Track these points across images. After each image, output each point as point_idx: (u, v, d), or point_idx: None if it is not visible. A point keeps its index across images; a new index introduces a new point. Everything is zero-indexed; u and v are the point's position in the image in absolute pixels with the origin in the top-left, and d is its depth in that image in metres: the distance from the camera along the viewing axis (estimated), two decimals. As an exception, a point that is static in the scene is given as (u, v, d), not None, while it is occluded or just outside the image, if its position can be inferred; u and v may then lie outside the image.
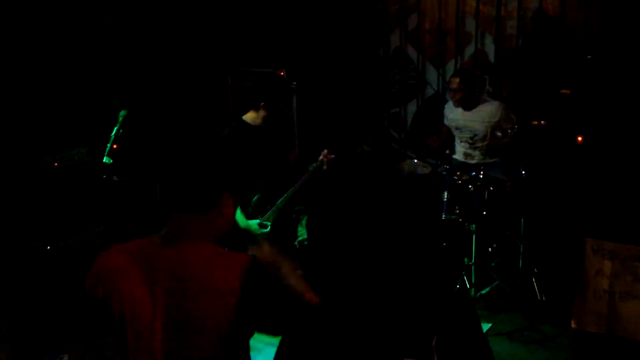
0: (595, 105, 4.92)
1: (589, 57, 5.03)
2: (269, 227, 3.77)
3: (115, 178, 3.63)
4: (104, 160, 3.43)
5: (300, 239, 3.92)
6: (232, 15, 5.82)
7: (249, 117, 3.79)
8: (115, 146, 3.49)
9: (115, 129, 3.49)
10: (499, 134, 4.38)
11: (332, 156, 3.78)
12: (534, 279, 4.12)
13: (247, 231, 3.76)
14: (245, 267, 1.64)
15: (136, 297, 1.67)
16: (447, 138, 4.98)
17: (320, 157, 3.82)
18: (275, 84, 3.82)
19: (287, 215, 3.91)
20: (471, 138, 4.72)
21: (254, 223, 3.76)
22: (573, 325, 2.93)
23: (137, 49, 5.19)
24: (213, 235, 1.77)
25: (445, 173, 4.26)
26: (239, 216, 3.74)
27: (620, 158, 4.64)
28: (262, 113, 3.74)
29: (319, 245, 1.49)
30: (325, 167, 3.79)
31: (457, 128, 4.82)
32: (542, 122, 4.34)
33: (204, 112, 5.37)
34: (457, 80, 4.58)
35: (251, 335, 1.71)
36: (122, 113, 3.53)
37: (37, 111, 4.31)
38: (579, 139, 4.62)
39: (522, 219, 4.22)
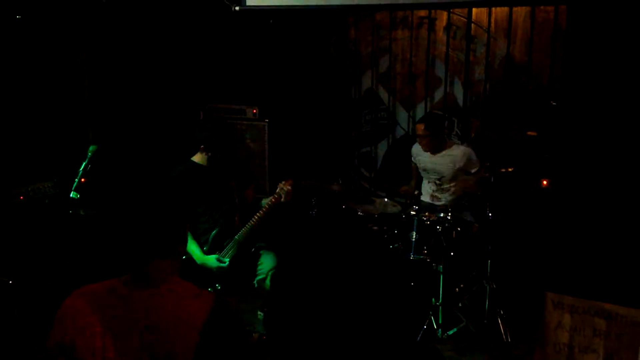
0: (560, 149, 5.06)
1: (553, 103, 5.18)
2: (227, 263, 3.78)
3: (82, 212, 3.59)
4: (71, 195, 3.39)
5: (259, 277, 3.91)
6: (206, 52, 5.89)
7: (197, 158, 4.01)
8: (83, 180, 3.47)
9: (84, 163, 3.47)
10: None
11: (290, 188, 3.86)
12: (499, 320, 4.16)
13: (204, 267, 3.77)
14: (211, 305, 1.67)
15: (108, 344, 1.66)
16: (417, 180, 5.06)
17: (278, 190, 3.88)
18: (211, 130, 4.02)
19: (246, 251, 3.93)
20: (438, 179, 4.79)
21: (211, 258, 3.78)
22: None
23: (111, 83, 5.20)
24: (178, 266, 1.81)
25: (414, 213, 4.31)
26: (196, 253, 3.77)
27: (583, 202, 4.75)
28: (204, 155, 3.96)
29: (283, 294, 1.50)
30: (283, 199, 3.87)
31: (424, 170, 4.90)
32: (534, 132, 4.50)
33: (175, 147, 5.38)
34: (422, 127, 4.68)
35: None
36: (92, 148, 3.51)
37: (4, 143, 4.26)
38: (544, 182, 4.72)
39: (489, 261, 4.28)
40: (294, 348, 1.34)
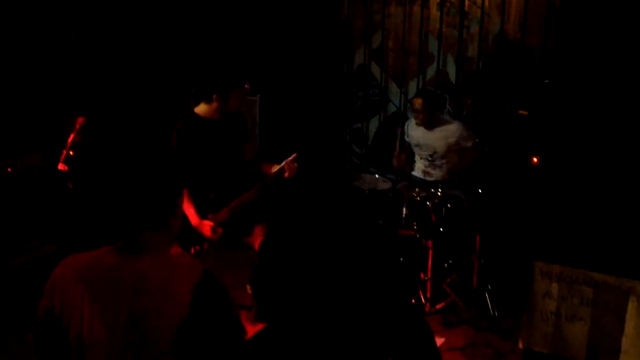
0: (551, 128, 5.07)
1: (546, 81, 5.17)
2: (220, 233, 3.69)
3: (70, 185, 3.57)
4: (59, 167, 3.38)
5: (247, 236, 3.81)
6: (197, 27, 5.83)
7: (202, 110, 3.63)
8: (71, 153, 3.44)
9: (72, 135, 3.45)
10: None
11: (295, 164, 3.71)
12: (487, 296, 4.20)
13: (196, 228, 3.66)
14: (199, 275, 1.66)
15: (95, 314, 1.65)
16: (408, 156, 5.07)
17: (282, 164, 3.73)
18: (227, 74, 3.63)
19: (240, 220, 3.85)
20: (430, 156, 4.81)
21: (206, 225, 3.66)
22: (520, 345, 3.01)
23: (100, 58, 5.15)
24: (170, 240, 1.79)
25: (404, 189, 4.33)
26: (192, 215, 3.65)
27: (573, 179, 4.77)
28: (215, 105, 3.59)
29: (272, 266, 1.50)
30: (286, 174, 3.73)
31: (417, 145, 4.91)
32: (525, 112, 4.53)
33: (165, 121, 5.34)
34: (420, 101, 4.67)
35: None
36: (80, 120, 3.49)
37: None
38: (535, 159, 4.74)
39: (478, 237, 4.31)
40: (283, 319, 1.35)
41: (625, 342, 2.68)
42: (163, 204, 1.73)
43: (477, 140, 4.65)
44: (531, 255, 3.05)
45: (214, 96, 3.54)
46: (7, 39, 4.48)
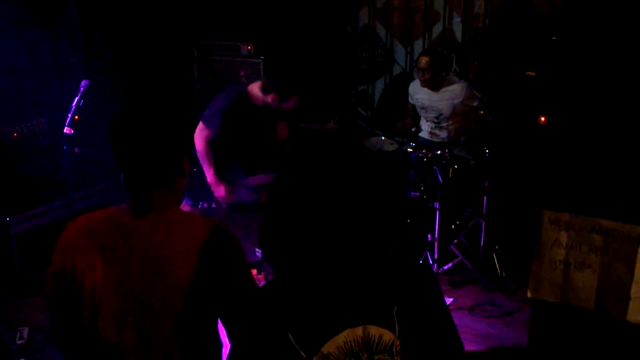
0: (559, 85, 5.00)
1: (554, 38, 5.09)
2: (228, 203, 3.73)
3: (76, 149, 3.56)
4: (64, 131, 3.35)
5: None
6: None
7: (255, 92, 3.67)
8: (76, 117, 3.41)
9: (76, 99, 3.41)
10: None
11: None
12: (494, 256, 4.21)
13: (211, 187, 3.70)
14: (208, 230, 1.68)
15: (107, 273, 1.66)
16: (414, 119, 5.03)
17: None
18: (293, 80, 3.68)
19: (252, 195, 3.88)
20: (436, 117, 4.76)
21: (220, 189, 3.68)
22: (529, 294, 2.99)
23: (102, 19, 5.07)
24: (178, 198, 1.80)
25: (411, 150, 4.30)
26: (211, 174, 3.67)
27: (580, 136, 4.73)
28: (269, 97, 3.63)
29: (281, 217, 1.49)
30: None
31: (422, 108, 4.85)
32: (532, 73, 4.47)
33: (169, 83, 5.30)
34: (426, 59, 4.59)
35: (216, 313, 1.71)
36: (84, 83, 3.44)
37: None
38: (542, 119, 4.68)
39: (485, 198, 4.30)
40: (292, 269, 1.36)
41: (635, 289, 2.64)
42: (170, 163, 1.73)
43: (485, 99, 4.59)
44: (539, 205, 3.00)
45: (272, 95, 3.58)
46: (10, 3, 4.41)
